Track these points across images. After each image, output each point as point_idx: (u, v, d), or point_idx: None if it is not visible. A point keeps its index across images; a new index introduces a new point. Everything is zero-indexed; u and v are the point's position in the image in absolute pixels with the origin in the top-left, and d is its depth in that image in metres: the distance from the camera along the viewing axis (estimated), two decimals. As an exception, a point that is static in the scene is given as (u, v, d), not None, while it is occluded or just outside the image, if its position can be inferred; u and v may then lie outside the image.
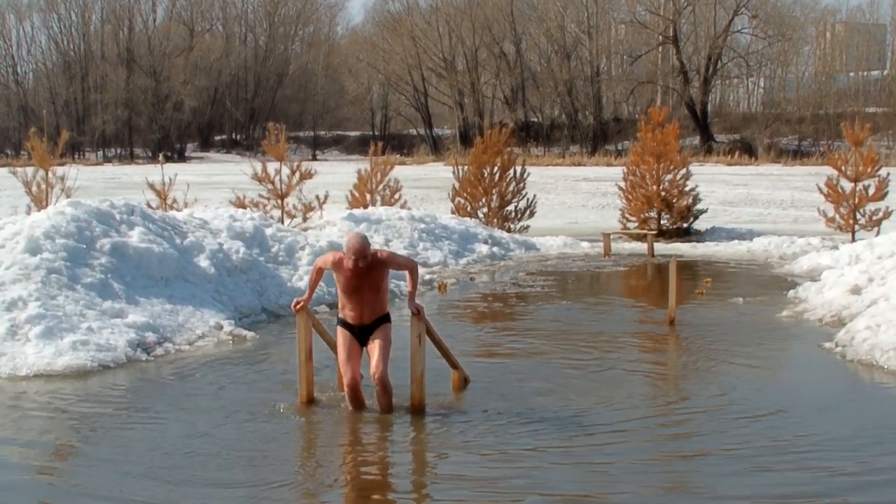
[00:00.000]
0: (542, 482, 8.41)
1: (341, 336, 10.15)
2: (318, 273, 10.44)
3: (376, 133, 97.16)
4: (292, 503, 8.16)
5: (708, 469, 8.76)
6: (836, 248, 23.92)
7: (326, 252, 18.09)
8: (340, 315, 10.18)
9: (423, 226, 25.46)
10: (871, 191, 28.24)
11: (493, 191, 30.93)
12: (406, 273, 10.26)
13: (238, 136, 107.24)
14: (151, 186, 25.48)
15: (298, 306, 10.47)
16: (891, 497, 8.09)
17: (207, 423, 10.21)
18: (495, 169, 30.83)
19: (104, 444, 9.58)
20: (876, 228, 27.66)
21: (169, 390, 11.70)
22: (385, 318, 10.16)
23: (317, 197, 26.35)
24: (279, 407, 10.74)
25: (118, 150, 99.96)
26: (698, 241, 29.91)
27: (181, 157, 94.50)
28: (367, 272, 9.90)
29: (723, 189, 47.37)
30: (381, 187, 29.39)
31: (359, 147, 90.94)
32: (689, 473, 8.77)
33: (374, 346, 10.02)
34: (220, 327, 15.02)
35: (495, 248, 26.31)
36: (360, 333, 10.10)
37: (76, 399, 11.19)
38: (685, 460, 9.11)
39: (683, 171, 30.98)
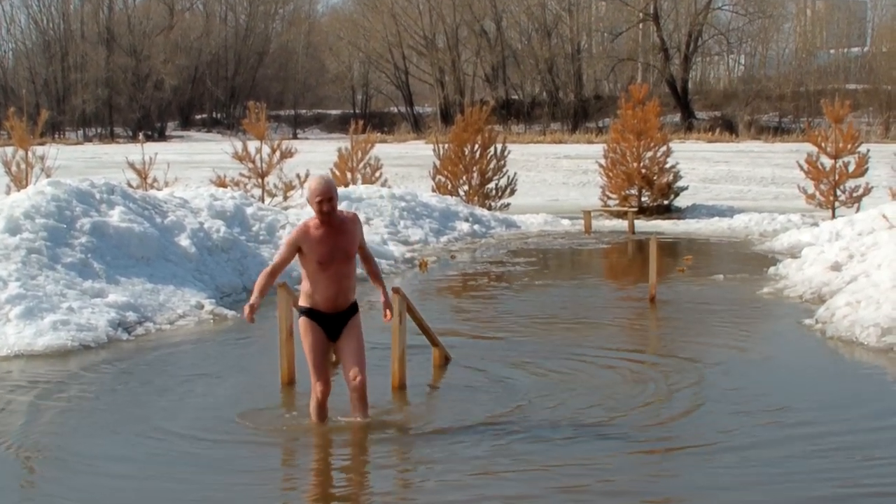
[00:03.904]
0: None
1: (311, 333, 8.87)
2: (292, 253, 8.78)
3: (357, 111, 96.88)
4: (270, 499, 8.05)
5: (686, 458, 8.64)
6: (816, 224, 24.01)
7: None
8: (306, 304, 8.90)
9: (403, 204, 25.44)
10: (852, 167, 28.34)
11: (474, 169, 30.97)
12: (365, 259, 9.19)
13: (219, 115, 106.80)
14: (132, 166, 25.40)
15: (250, 313, 8.73)
16: (871, 479, 8.12)
17: (186, 405, 10.20)
18: (476, 147, 30.87)
19: (84, 425, 9.57)
20: (856, 205, 27.77)
21: (149, 370, 11.68)
22: (356, 306, 9.07)
23: (297, 175, 26.31)
24: (260, 389, 10.74)
25: (98, 130, 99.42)
26: (679, 219, 30.01)
27: (161, 137, 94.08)
28: (339, 232, 8.73)
29: (703, 166, 47.40)
30: (361, 165, 29.38)
31: (340, 125, 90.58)
32: (672, 463, 8.79)
33: (351, 348, 8.93)
34: (201, 306, 15.00)
35: (476, 226, 26.34)
36: (332, 324, 8.90)
37: (57, 379, 11.15)
38: (667, 441, 9.15)
39: (664, 148, 31.06)
